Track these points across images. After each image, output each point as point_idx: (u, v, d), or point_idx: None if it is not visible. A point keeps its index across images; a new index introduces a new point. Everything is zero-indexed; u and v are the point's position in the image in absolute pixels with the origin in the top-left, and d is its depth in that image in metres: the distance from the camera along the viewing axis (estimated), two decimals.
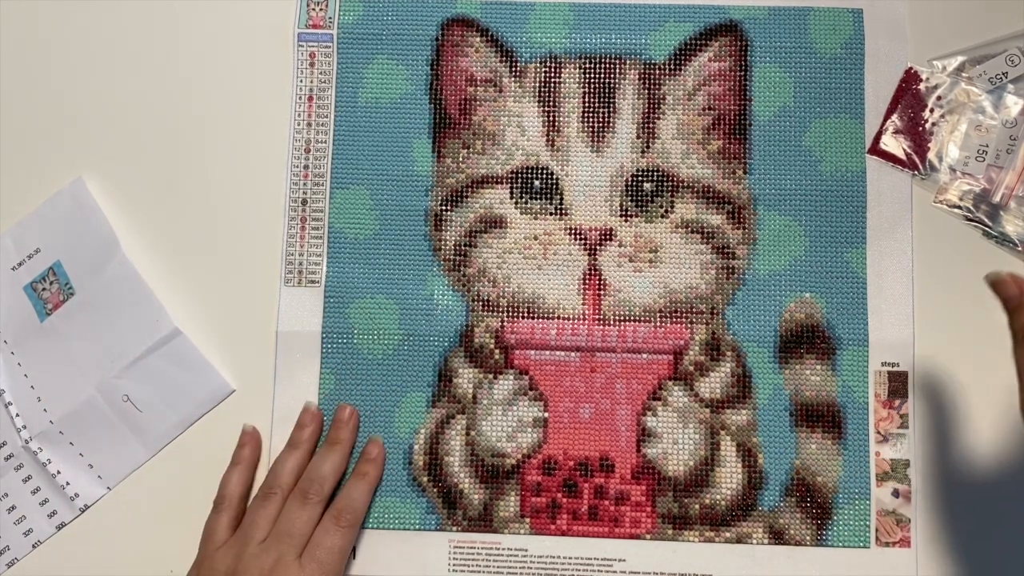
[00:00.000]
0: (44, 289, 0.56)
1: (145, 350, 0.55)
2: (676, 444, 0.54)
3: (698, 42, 0.56)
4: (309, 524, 0.50)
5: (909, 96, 0.55)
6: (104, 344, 0.56)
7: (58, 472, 0.55)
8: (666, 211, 0.55)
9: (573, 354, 0.55)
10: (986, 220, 0.54)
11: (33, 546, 0.55)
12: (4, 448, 0.56)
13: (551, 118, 0.56)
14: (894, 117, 0.55)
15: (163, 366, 0.55)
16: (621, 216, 0.55)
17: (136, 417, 0.55)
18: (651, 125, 0.56)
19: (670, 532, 0.53)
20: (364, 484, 0.52)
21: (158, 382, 0.55)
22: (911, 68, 0.55)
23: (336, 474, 0.52)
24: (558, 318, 0.55)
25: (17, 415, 0.56)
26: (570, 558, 0.54)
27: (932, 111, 0.55)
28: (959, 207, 0.54)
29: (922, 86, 0.55)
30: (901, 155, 0.55)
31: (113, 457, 0.55)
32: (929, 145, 0.55)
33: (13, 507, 0.55)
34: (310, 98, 0.57)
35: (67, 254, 0.56)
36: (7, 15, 0.59)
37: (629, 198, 0.55)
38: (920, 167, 0.55)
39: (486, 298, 0.55)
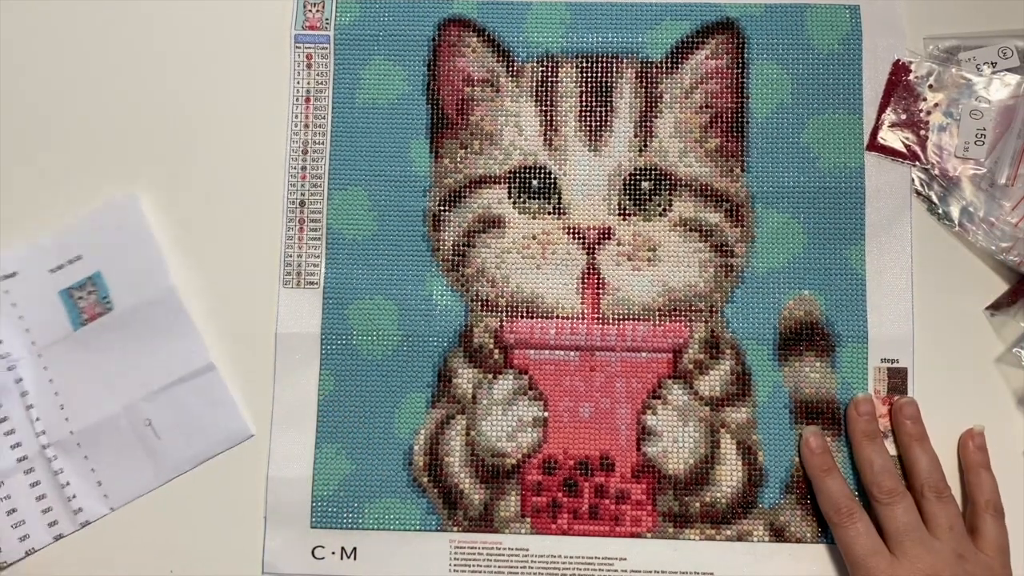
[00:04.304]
0: (81, 297, 0.56)
1: (176, 379, 0.55)
2: (676, 442, 0.54)
3: (695, 40, 0.56)
4: None
5: (901, 88, 0.55)
6: (136, 365, 0.55)
7: (67, 483, 0.54)
8: (664, 210, 0.55)
9: (572, 353, 0.55)
10: (934, 197, 0.54)
11: (27, 552, 0.54)
12: (18, 449, 0.55)
13: (548, 117, 0.56)
14: (888, 110, 0.55)
15: (190, 398, 0.55)
16: (619, 215, 0.55)
17: (153, 443, 0.55)
18: (648, 124, 0.56)
19: (671, 530, 0.53)
20: None
21: (182, 413, 0.55)
22: (899, 60, 0.55)
23: None
24: (557, 317, 0.55)
25: (38, 419, 0.55)
26: (571, 557, 0.54)
27: (926, 100, 0.55)
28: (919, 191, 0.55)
29: (912, 76, 0.55)
30: (900, 147, 0.55)
31: (123, 478, 0.55)
32: (927, 134, 0.55)
33: (13, 510, 0.55)
34: (307, 99, 0.57)
35: (109, 267, 0.56)
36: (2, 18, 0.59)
37: (627, 197, 0.55)
38: (921, 158, 0.55)
39: (485, 298, 0.55)
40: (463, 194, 0.56)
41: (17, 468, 0.55)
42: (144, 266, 0.56)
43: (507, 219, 0.55)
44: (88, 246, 0.56)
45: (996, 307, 0.54)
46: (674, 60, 0.56)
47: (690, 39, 0.56)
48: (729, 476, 0.54)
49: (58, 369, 0.56)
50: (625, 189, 0.55)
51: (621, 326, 0.55)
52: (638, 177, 0.55)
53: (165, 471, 0.55)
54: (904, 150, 0.55)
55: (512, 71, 0.57)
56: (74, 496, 0.54)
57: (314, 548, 0.54)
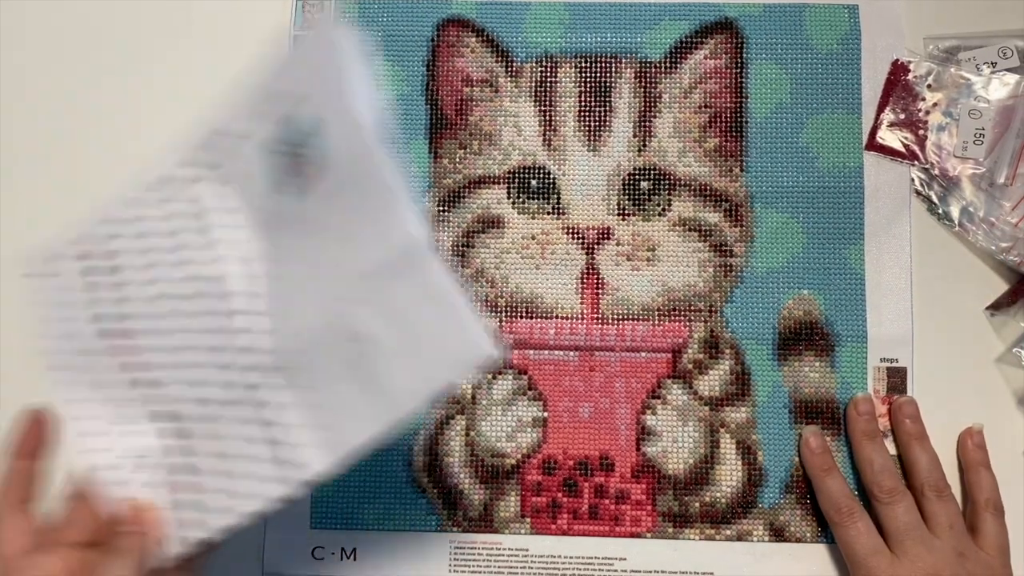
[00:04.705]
0: (303, 156, 0.39)
1: (383, 265, 0.37)
2: (676, 442, 0.54)
3: (693, 40, 0.56)
4: None
5: (899, 88, 0.55)
6: (342, 255, 0.38)
7: (293, 425, 0.39)
8: (663, 209, 0.55)
9: (572, 353, 0.55)
10: (934, 197, 0.54)
11: (245, 517, 0.40)
12: (225, 371, 0.40)
13: (547, 118, 0.56)
14: (887, 110, 0.55)
15: (407, 294, 0.37)
16: (618, 215, 0.55)
17: (369, 366, 0.37)
18: (647, 124, 0.56)
19: (671, 530, 0.53)
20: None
21: (400, 316, 0.37)
22: (897, 60, 0.55)
23: None
24: (557, 317, 0.55)
25: (245, 330, 0.40)
26: (571, 557, 0.54)
27: (925, 99, 0.55)
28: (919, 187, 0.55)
29: (910, 76, 0.55)
30: (899, 147, 0.55)
31: (341, 419, 0.38)
32: (926, 134, 0.55)
33: (224, 454, 0.40)
34: None
35: (327, 112, 0.38)
36: None
37: (626, 197, 0.55)
38: (920, 157, 0.55)
39: (484, 298, 0.55)
40: (462, 194, 0.56)
41: (228, 399, 0.40)
42: (348, 102, 0.38)
43: (506, 219, 0.55)
44: (309, 83, 0.39)
45: (996, 307, 0.54)
46: (673, 60, 0.56)
47: (689, 39, 0.56)
48: (729, 476, 0.54)
49: (280, 260, 0.39)
50: (624, 189, 0.55)
51: (620, 326, 0.55)
52: (637, 177, 0.55)
53: (390, 409, 0.37)
54: (903, 150, 0.55)
55: (511, 71, 0.57)
56: (288, 443, 0.38)
57: (314, 548, 0.54)
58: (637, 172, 0.55)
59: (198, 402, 0.41)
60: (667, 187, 0.55)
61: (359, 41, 0.38)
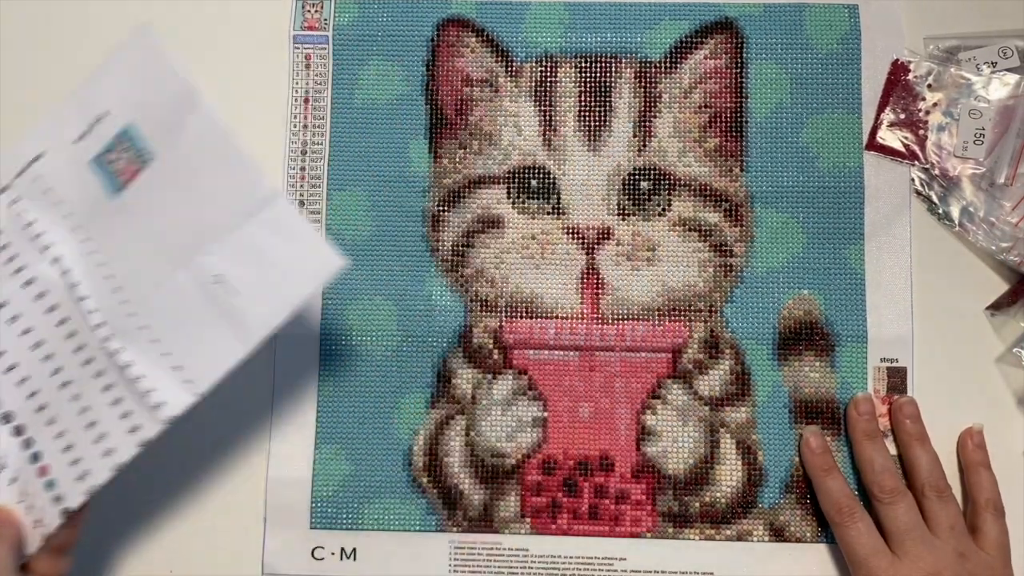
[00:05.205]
0: (115, 160, 0.46)
1: (239, 218, 0.45)
2: (676, 442, 0.54)
3: (693, 40, 0.56)
4: None
5: (899, 88, 0.55)
6: (190, 216, 0.45)
7: (141, 376, 0.45)
8: (663, 209, 0.55)
9: (572, 353, 0.55)
10: (934, 197, 0.54)
11: (114, 471, 0.45)
12: (81, 352, 0.46)
13: (547, 117, 0.56)
14: (887, 110, 0.55)
15: (262, 237, 0.45)
16: (618, 215, 0.55)
17: (231, 302, 0.44)
18: (647, 123, 0.56)
19: (671, 530, 0.53)
20: None
21: (257, 257, 0.45)
22: (897, 60, 0.55)
23: None
24: (557, 317, 0.55)
25: (92, 311, 0.46)
26: (571, 557, 0.54)
27: (925, 99, 0.55)
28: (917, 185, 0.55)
29: (910, 76, 0.55)
30: (900, 147, 0.55)
31: (204, 355, 0.45)
32: (927, 134, 0.55)
33: (93, 423, 0.45)
34: (306, 100, 0.57)
35: (141, 114, 0.46)
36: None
37: (626, 197, 0.55)
38: (920, 157, 0.55)
39: (484, 298, 0.55)
40: (462, 194, 0.56)
41: (84, 374, 0.46)
42: (175, 98, 0.46)
43: (506, 219, 0.55)
44: (113, 97, 0.47)
45: (996, 307, 0.54)
46: (673, 60, 0.56)
47: (689, 39, 0.56)
48: (729, 476, 0.54)
49: (106, 246, 0.46)
50: (624, 189, 0.55)
51: (620, 326, 0.55)
52: (637, 177, 0.55)
53: (251, 332, 0.44)
54: (903, 150, 0.55)
55: (511, 71, 0.57)
56: (152, 390, 0.45)
57: (314, 549, 0.54)
58: (637, 172, 0.55)
59: (61, 386, 0.46)
60: (667, 187, 0.55)
61: (152, 35, 0.47)
